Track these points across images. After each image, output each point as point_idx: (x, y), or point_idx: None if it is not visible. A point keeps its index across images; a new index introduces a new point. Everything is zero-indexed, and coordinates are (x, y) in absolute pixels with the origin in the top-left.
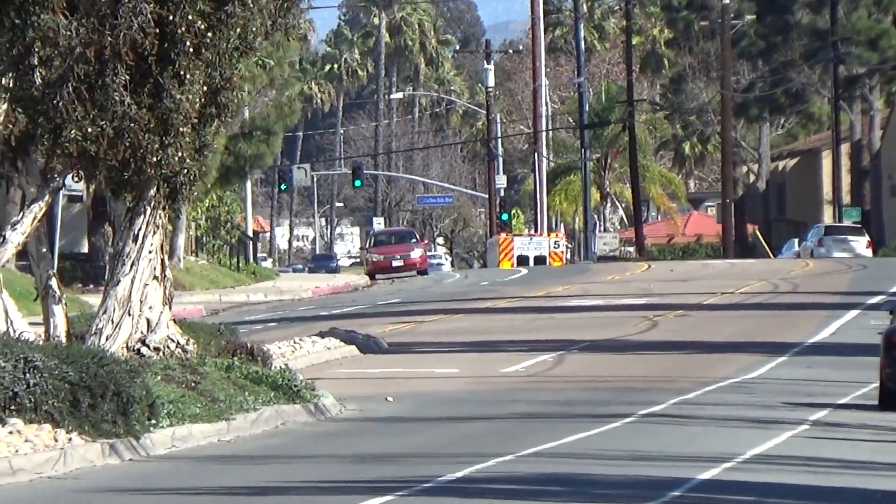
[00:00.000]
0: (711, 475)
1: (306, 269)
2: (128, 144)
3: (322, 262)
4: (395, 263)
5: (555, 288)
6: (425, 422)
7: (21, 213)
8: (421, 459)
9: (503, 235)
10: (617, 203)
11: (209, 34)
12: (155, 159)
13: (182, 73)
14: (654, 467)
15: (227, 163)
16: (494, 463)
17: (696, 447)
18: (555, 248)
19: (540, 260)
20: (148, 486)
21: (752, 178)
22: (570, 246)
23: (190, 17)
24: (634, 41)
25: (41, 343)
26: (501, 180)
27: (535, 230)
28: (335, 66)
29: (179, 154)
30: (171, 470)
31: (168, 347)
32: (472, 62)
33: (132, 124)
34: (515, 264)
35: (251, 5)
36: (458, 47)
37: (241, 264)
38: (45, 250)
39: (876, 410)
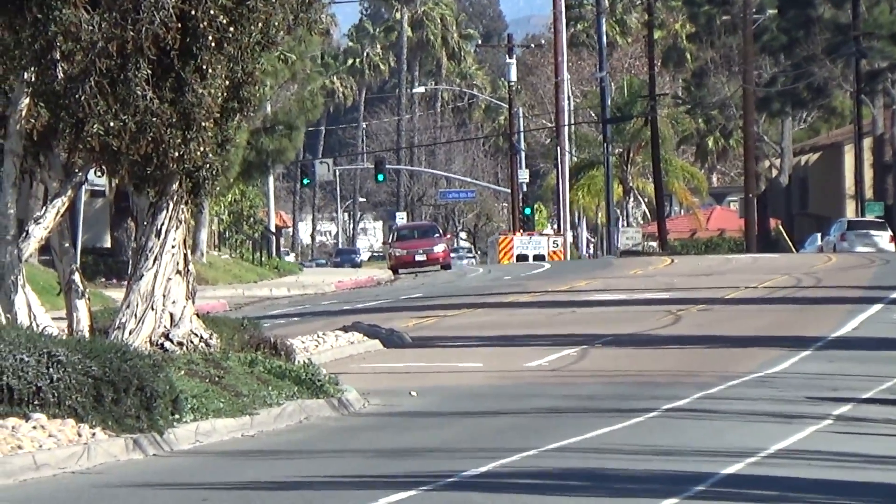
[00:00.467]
0: (735, 470)
1: (329, 263)
2: (150, 139)
3: (345, 256)
4: (418, 258)
5: (578, 282)
6: (449, 416)
7: (43, 208)
8: (444, 454)
9: (503, 236)
10: (639, 198)
11: (231, 29)
12: (177, 154)
13: (204, 67)
14: (678, 462)
15: (250, 157)
16: (518, 458)
17: (719, 442)
18: (553, 247)
19: (538, 258)
20: (172, 481)
21: (774, 172)
22: (592, 241)
23: (212, 12)
24: (656, 35)
25: (64, 338)
26: (524, 175)
27: (557, 225)
28: (357, 60)
29: (202, 149)
30: (195, 465)
31: (191, 342)
32: (494, 57)
33: (154, 119)
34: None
35: (273, 0)
36: (480, 42)
37: (263, 259)
38: (67, 245)
39: None
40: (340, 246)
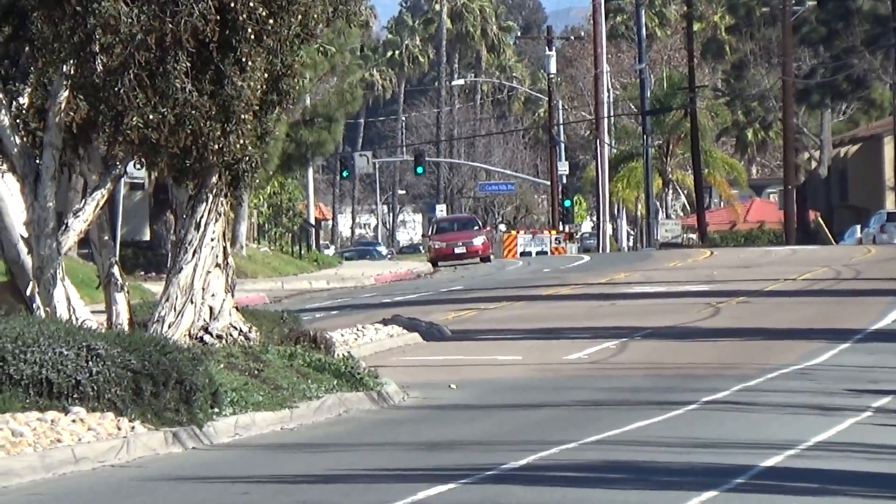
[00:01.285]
0: (775, 462)
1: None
2: (189, 132)
3: (363, 249)
4: (458, 251)
5: (617, 275)
6: (488, 409)
7: (83, 201)
8: (484, 447)
9: (507, 233)
10: (679, 190)
11: (270, 21)
12: (216, 146)
13: (243, 60)
14: (718, 454)
15: (289, 150)
16: (558, 450)
17: (759, 434)
18: (556, 243)
19: (541, 254)
20: (211, 474)
21: (813, 164)
22: (632, 233)
23: (251, 4)
24: (695, 27)
25: (103, 331)
26: (563, 167)
27: (597, 217)
28: (396, 52)
29: (241, 141)
30: (235, 458)
31: (231, 335)
32: (533, 49)
33: (193, 111)
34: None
35: None
36: (519, 34)
37: (303, 252)
38: (107, 238)
39: None
40: (379, 239)
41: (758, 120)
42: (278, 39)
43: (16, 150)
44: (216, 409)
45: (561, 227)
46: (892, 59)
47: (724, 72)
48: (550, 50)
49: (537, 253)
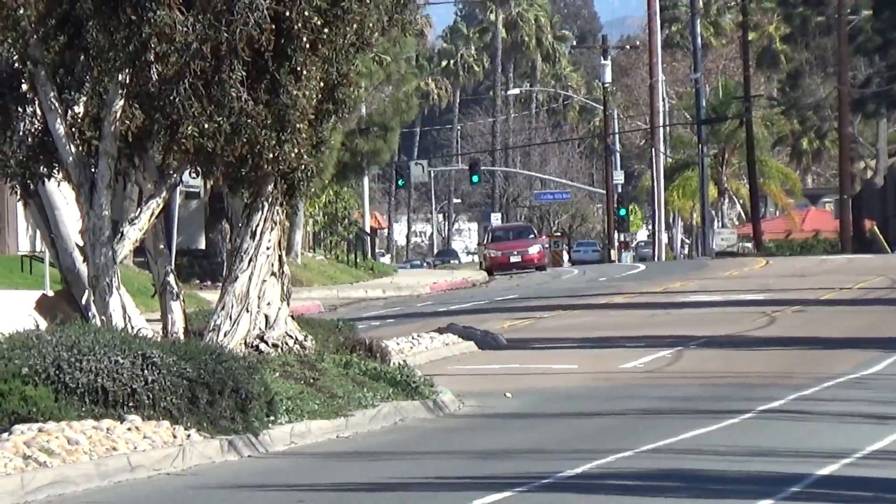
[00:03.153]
0: (830, 471)
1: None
2: (245, 141)
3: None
4: (513, 259)
5: (672, 284)
6: (544, 418)
7: (138, 210)
8: (539, 455)
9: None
10: (734, 199)
11: (326, 30)
12: (272, 155)
13: (299, 69)
14: (773, 463)
15: (345, 159)
16: (613, 459)
17: (814, 443)
18: (554, 247)
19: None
20: (267, 483)
21: (869, 173)
22: (687, 242)
23: (306, 13)
24: (750, 37)
25: (159, 339)
26: (619, 176)
27: (652, 226)
28: (451, 62)
29: (296, 150)
30: (290, 466)
31: (286, 343)
32: (588, 58)
33: (249, 120)
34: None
35: (368, 1)
36: (574, 43)
37: (358, 260)
38: (162, 246)
39: None
40: (436, 248)
41: (813, 129)
42: (333, 48)
43: (71, 158)
44: (272, 418)
45: (556, 233)
46: None
47: (780, 81)
48: (606, 59)
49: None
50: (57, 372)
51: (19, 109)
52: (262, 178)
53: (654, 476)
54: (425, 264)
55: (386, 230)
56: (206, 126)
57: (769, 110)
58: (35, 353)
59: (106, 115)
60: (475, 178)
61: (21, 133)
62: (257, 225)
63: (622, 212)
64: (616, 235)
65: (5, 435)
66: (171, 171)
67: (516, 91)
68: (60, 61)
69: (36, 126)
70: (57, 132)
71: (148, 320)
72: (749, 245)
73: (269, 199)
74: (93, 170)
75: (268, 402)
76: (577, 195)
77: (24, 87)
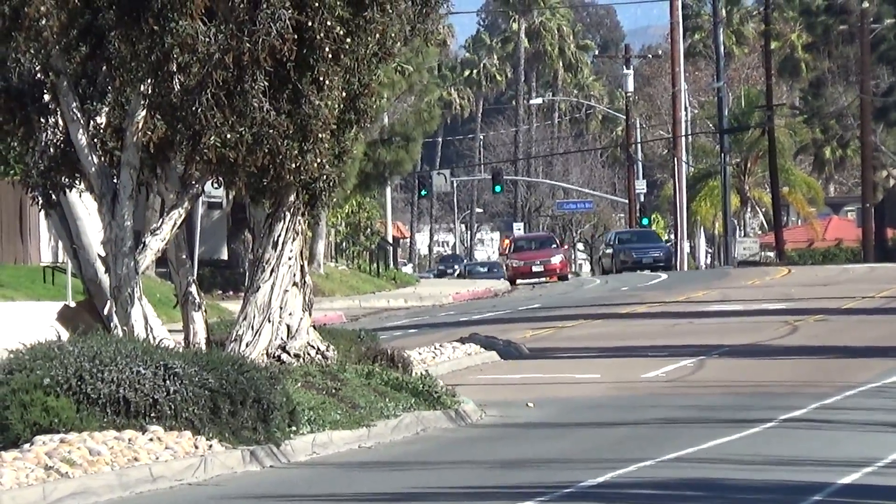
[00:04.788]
0: (852, 479)
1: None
2: (267, 151)
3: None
4: (536, 269)
5: (695, 293)
6: (566, 427)
7: (160, 220)
8: (562, 465)
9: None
10: (756, 208)
11: (348, 40)
12: (294, 165)
13: (321, 79)
14: (795, 472)
15: (367, 169)
16: (635, 468)
17: (836, 452)
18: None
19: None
20: (289, 493)
21: (892, 182)
22: (710, 251)
23: (329, 23)
24: (773, 45)
25: (181, 350)
26: (641, 185)
27: (675, 235)
28: (474, 71)
29: (318, 160)
30: (313, 476)
31: (308, 354)
32: (611, 67)
33: (271, 130)
34: None
35: (390, 11)
36: (597, 52)
37: (381, 270)
38: (184, 257)
39: None
40: (459, 257)
41: (836, 138)
42: (356, 58)
43: (93, 169)
44: (294, 428)
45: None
46: None
47: (802, 90)
48: (628, 68)
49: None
50: (79, 383)
51: (41, 120)
52: (283, 189)
53: (676, 485)
54: (451, 272)
55: (408, 240)
56: (228, 136)
57: (791, 119)
58: (57, 364)
59: (128, 126)
60: (497, 188)
61: (43, 144)
62: (279, 235)
63: (644, 221)
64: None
65: (27, 446)
66: (193, 182)
67: (539, 100)
68: (83, 72)
69: (58, 137)
70: (79, 143)
71: (170, 331)
72: (771, 254)
73: (291, 210)
74: (115, 180)
75: (290, 412)
76: (599, 204)
77: (47, 97)
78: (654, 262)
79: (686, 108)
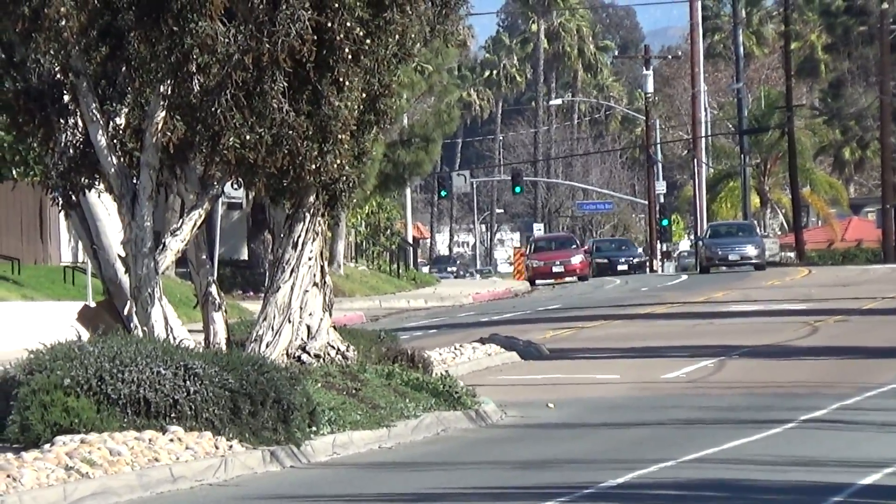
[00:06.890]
0: (873, 480)
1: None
2: (286, 152)
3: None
4: (556, 269)
5: (715, 293)
6: (586, 428)
7: (180, 221)
8: (582, 465)
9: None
10: (776, 208)
11: (368, 41)
12: (314, 166)
13: (340, 80)
14: (816, 472)
15: (387, 170)
16: (656, 469)
17: (857, 452)
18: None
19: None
20: (310, 493)
21: None
22: None
23: (348, 24)
24: (792, 46)
25: (201, 350)
26: (661, 186)
27: (694, 235)
28: (494, 72)
29: (338, 161)
30: (333, 477)
31: (328, 354)
32: (630, 68)
33: (291, 131)
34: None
35: (410, 12)
36: (616, 53)
37: (401, 270)
38: (204, 257)
39: None
40: (478, 258)
41: (855, 139)
42: (375, 59)
43: (113, 170)
44: (314, 428)
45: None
46: None
47: (822, 91)
48: (647, 69)
49: None
50: (99, 383)
51: (61, 121)
52: (303, 189)
53: (697, 486)
54: (469, 274)
55: (428, 241)
56: (248, 137)
57: (811, 120)
58: (77, 365)
59: (147, 127)
60: (517, 189)
61: (63, 144)
62: (299, 236)
63: (664, 222)
64: (658, 245)
65: (48, 446)
66: (213, 183)
67: (558, 101)
68: (102, 72)
69: (77, 137)
70: (98, 144)
71: (190, 331)
72: (791, 255)
73: (311, 210)
74: (134, 181)
75: (310, 412)
76: (619, 205)
77: (66, 98)
78: (741, 259)
79: (706, 109)
